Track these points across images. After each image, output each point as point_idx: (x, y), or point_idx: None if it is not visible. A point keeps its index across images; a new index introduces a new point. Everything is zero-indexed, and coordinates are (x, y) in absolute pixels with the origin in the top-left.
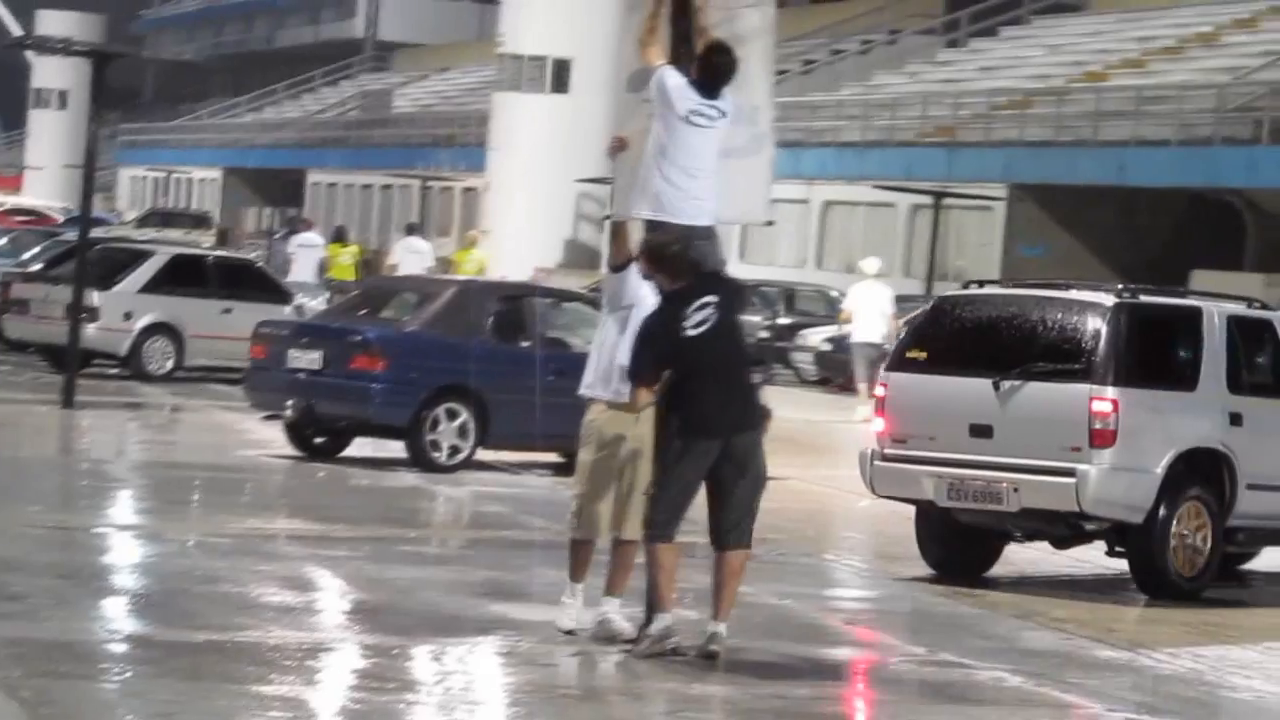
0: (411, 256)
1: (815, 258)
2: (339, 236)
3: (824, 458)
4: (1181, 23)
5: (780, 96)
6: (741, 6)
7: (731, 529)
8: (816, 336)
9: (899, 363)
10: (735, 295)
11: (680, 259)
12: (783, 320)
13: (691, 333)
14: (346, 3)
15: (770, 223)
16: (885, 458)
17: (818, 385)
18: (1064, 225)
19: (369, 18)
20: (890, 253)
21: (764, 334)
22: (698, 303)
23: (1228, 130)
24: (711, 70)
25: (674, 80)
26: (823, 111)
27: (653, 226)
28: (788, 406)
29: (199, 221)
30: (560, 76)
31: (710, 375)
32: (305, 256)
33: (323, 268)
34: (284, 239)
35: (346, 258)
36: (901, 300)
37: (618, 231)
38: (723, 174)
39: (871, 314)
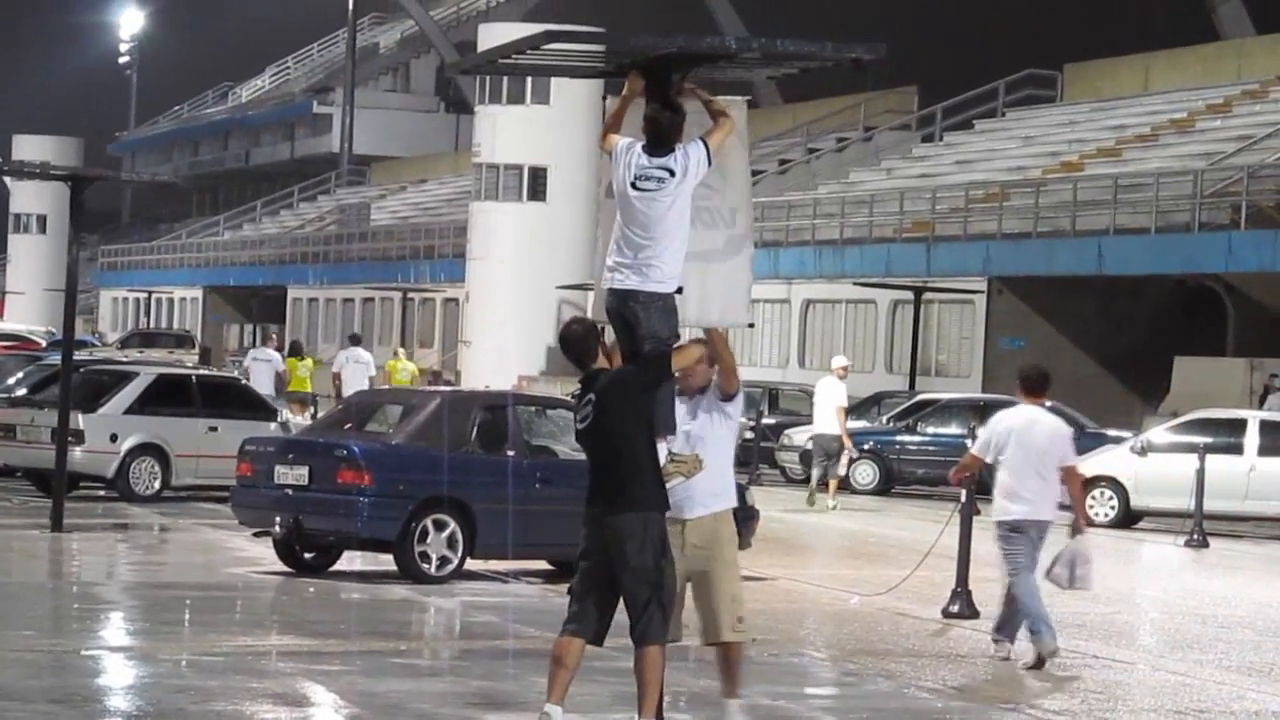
0: (355, 366)
1: (798, 357)
2: (295, 350)
3: (813, 557)
4: (1155, 110)
5: (757, 197)
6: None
7: (635, 624)
8: (801, 435)
9: None
10: (611, 389)
11: (573, 358)
12: (767, 420)
13: (579, 425)
14: (321, 118)
15: (751, 324)
16: None
17: (804, 484)
18: (1045, 316)
19: (344, 132)
20: (873, 349)
21: (749, 434)
22: (585, 399)
23: (1205, 216)
24: (651, 126)
25: (624, 144)
26: (800, 210)
27: (615, 297)
28: (774, 506)
29: (181, 341)
30: (536, 184)
31: (594, 463)
32: (259, 370)
33: (281, 381)
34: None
35: (303, 371)
36: (887, 396)
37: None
38: (701, 276)
39: (827, 408)
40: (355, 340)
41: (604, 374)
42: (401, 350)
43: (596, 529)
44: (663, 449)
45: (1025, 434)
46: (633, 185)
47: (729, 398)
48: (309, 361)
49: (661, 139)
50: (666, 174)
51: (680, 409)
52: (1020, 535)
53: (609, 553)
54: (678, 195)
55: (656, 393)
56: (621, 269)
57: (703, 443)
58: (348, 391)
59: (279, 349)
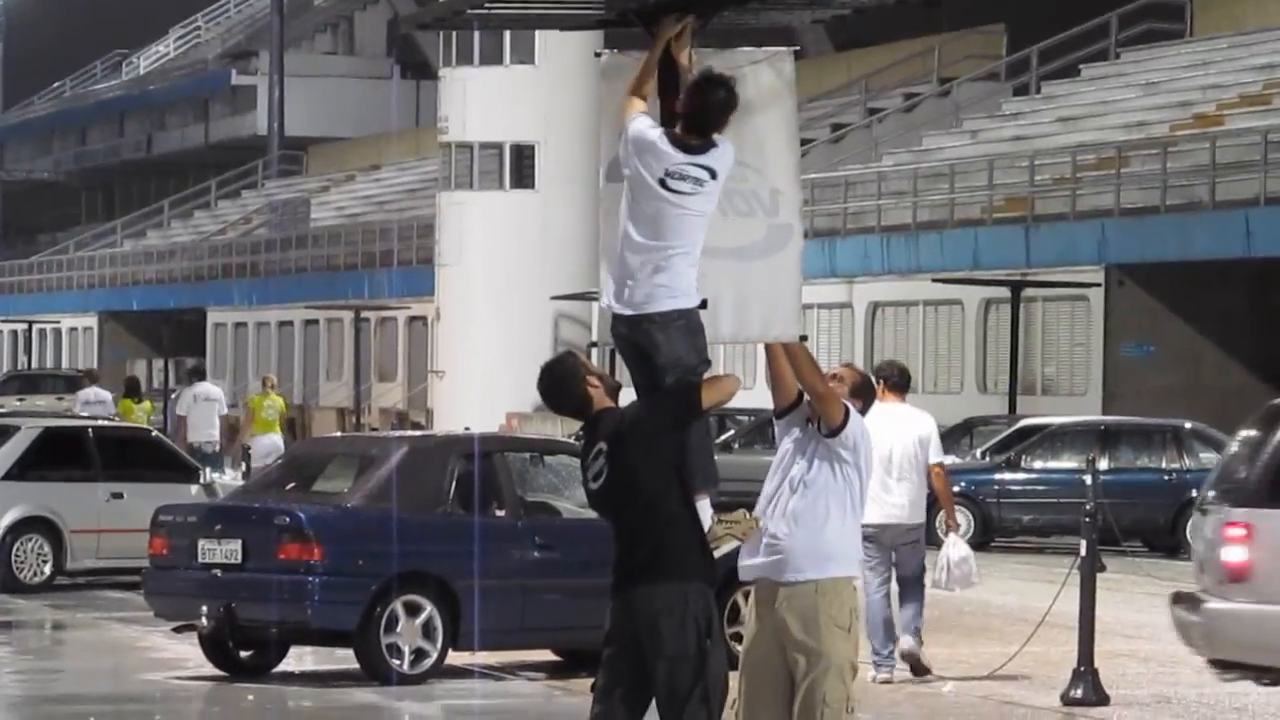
0: (204, 405)
1: None
2: (131, 391)
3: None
4: None
5: (806, 173)
6: (749, 63)
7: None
8: None
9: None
10: (624, 434)
11: (567, 410)
12: None
13: (593, 485)
14: (243, 92)
15: (803, 337)
16: None
17: None
18: (1180, 313)
19: (272, 109)
20: (959, 364)
21: None
22: (594, 449)
23: None
24: (699, 99)
25: (651, 132)
26: (861, 188)
27: (624, 323)
28: None
29: (74, 384)
30: (522, 167)
31: (616, 529)
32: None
33: None
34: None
35: (140, 415)
36: (981, 424)
37: (771, 361)
38: (738, 279)
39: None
40: (198, 374)
41: (610, 414)
42: (270, 378)
43: (623, 607)
44: (705, 510)
45: (888, 433)
46: (662, 184)
47: (834, 432)
48: (147, 404)
49: (709, 123)
50: (708, 175)
51: (788, 446)
52: (873, 543)
53: (639, 636)
54: (711, 200)
55: (686, 435)
56: (628, 285)
57: (806, 491)
58: (195, 436)
59: (130, 390)
